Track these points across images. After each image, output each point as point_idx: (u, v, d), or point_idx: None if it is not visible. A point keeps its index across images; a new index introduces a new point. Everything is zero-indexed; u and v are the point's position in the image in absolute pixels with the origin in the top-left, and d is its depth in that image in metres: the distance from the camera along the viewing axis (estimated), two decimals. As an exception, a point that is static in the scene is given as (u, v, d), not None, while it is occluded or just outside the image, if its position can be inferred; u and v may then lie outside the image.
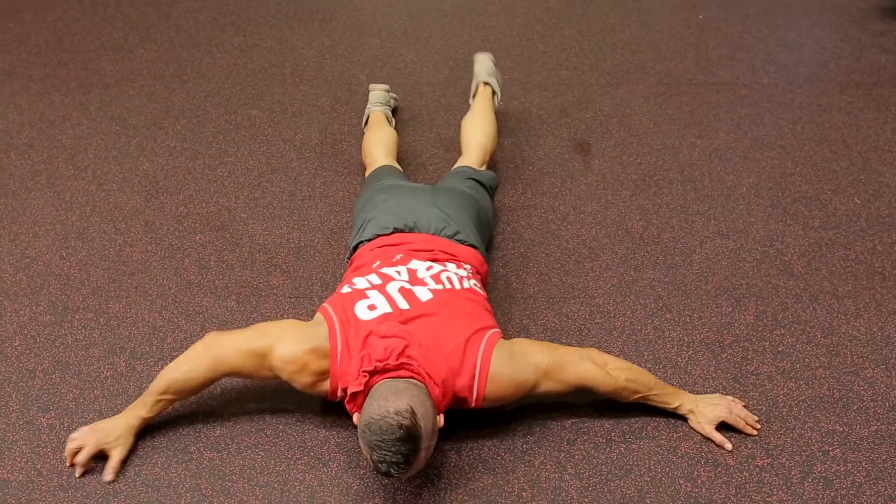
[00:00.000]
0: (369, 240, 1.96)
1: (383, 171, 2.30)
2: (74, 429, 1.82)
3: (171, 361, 1.96)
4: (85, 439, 1.72)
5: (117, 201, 2.50)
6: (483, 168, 2.35)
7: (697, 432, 1.79)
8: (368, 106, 2.75)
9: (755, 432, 1.79)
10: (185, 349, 2.00)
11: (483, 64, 2.68)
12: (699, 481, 1.71)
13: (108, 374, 1.95)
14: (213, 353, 1.70)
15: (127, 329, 2.07)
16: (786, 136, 2.77)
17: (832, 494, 1.68)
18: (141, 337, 2.05)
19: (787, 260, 2.27)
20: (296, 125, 2.83)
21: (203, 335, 2.03)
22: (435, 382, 1.61)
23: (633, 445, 1.78)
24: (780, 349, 2.00)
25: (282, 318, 2.10)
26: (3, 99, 2.97)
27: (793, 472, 1.72)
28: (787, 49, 3.25)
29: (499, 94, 2.62)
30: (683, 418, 1.81)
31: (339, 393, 1.67)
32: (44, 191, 2.54)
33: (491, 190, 2.28)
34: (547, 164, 2.65)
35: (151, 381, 1.92)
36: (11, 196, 2.52)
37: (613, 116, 2.86)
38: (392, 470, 1.50)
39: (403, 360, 1.59)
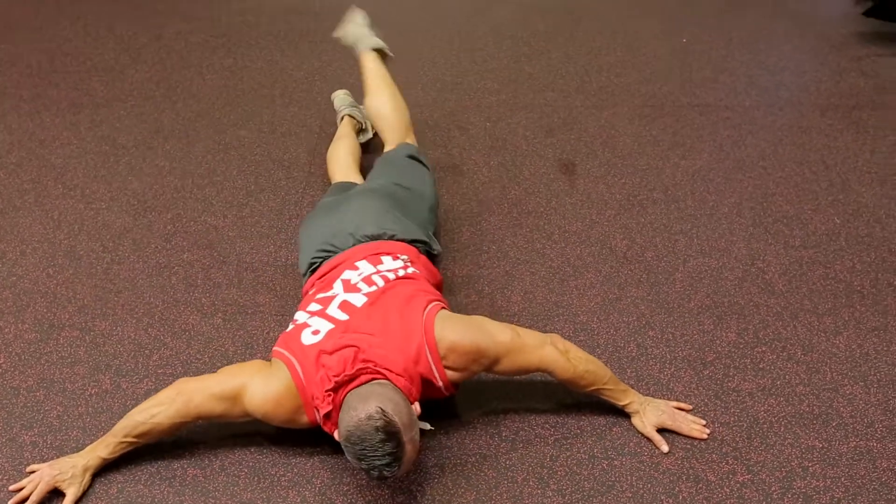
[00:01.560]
0: (305, 273, 2.01)
1: (329, 190, 2.36)
2: (57, 446, 1.82)
3: (154, 380, 1.99)
4: (41, 475, 1.71)
5: (105, 220, 2.51)
6: (397, 143, 2.39)
7: (638, 431, 1.84)
8: (337, 112, 2.75)
9: (705, 435, 1.83)
10: (170, 366, 2.03)
11: (355, 30, 2.62)
12: (680, 497, 1.72)
13: (93, 392, 1.96)
14: (183, 397, 1.70)
15: (113, 346, 2.08)
16: (767, 157, 2.81)
17: (811, 510, 1.69)
18: (126, 354, 2.06)
19: (768, 278, 2.30)
20: (284, 145, 2.86)
21: (188, 353, 2.06)
22: (397, 374, 1.63)
23: (616, 462, 1.80)
24: (760, 366, 2.03)
25: (267, 336, 2.11)
26: (-6, 118, 2.99)
27: (773, 488, 1.74)
28: (768, 73, 3.31)
29: (385, 48, 2.59)
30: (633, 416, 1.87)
31: (318, 419, 1.68)
32: (32, 209, 2.55)
33: (412, 159, 2.30)
34: (532, 183, 2.68)
35: (136, 398, 1.94)
36: (-1, 214, 2.53)
37: (598, 137, 2.91)
38: (385, 472, 1.52)
39: (359, 365, 1.62)
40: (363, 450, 1.51)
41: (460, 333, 1.70)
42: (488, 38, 3.55)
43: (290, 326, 1.81)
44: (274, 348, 1.76)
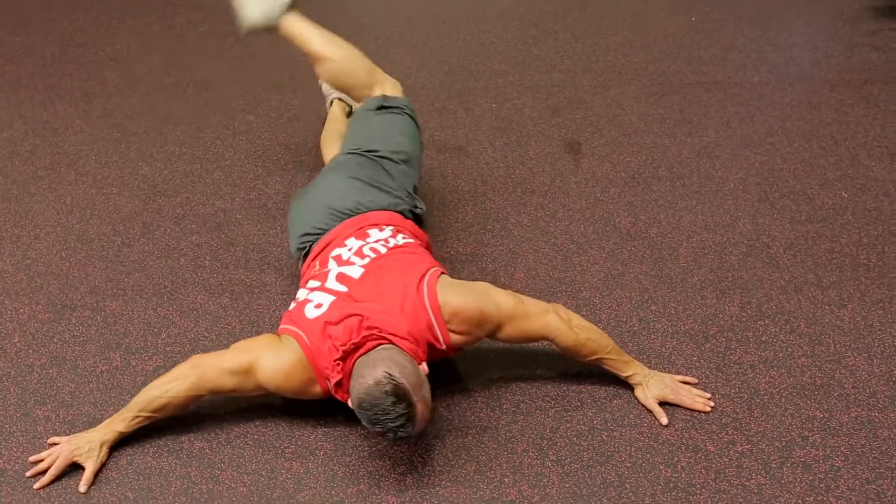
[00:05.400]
0: (299, 259, 2.03)
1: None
2: (69, 421, 1.87)
3: (163, 357, 2.03)
4: (59, 450, 1.75)
5: (116, 204, 2.56)
6: (373, 93, 2.22)
7: (640, 402, 1.85)
8: (326, 97, 2.73)
9: (708, 408, 1.83)
10: (179, 344, 2.07)
11: (260, 6, 2.28)
12: (679, 467, 1.73)
13: (104, 369, 2.00)
14: (197, 371, 1.73)
15: (123, 325, 2.13)
16: (775, 133, 2.79)
17: (810, 478, 1.69)
18: (136, 333, 2.10)
19: (772, 253, 2.29)
20: (291, 129, 2.89)
21: (196, 331, 2.10)
22: (402, 338, 1.66)
23: (615, 433, 1.81)
24: (763, 339, 2.02)
25: (273, 314, 2.15)
26: (10, 108, 3.05)
27: (772, 458, 1.74)
28: (778, 49, 3.28)
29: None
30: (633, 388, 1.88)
31: (331, 388, 1.72)
32: (45, 195, 2.61)
33: (382, 109, 2.16)
34: (537, 163, 2.69)
35: (145, 375, 1.98)
36: (14, 200, 2.59)
37: (604, 116, 2.90)
38: (400, 433, 1.56)
39: (364, 332, 1.65)
40: (376, 414, 1.55)
41: (463, 298, 1.73)
42: (496, 20, 3.55)
43: (293, 305, 1.84)
44: (280, 327, 1.79)
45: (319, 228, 1.98)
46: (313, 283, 1.83)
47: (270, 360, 1.71)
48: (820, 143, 2.73)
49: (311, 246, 1.99)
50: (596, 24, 3.49)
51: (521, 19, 3.56)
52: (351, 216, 1.97)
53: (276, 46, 3.40)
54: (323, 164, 2.52)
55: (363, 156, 2.10)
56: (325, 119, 2.91)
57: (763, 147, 2.72)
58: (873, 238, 2.32)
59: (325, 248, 1.94)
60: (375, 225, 1.94)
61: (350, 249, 1.87)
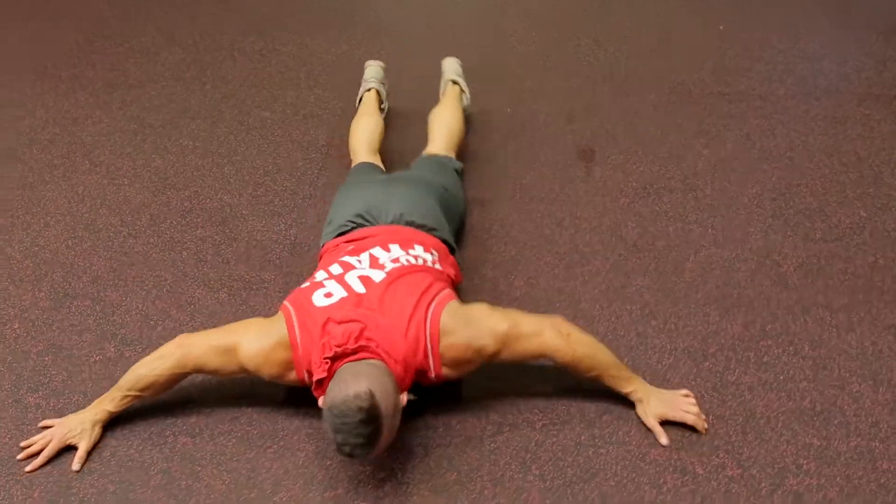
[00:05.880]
0: (331, 233, 2.01)
1: (358, 169, 2.38)
2: (59, 409, 1.89)
3: (154, 350, 2.04)
4: (52, 433, 1.78)
5: (126, 195, 2.59)
6: (448, 153, 2.43)
7: (641, 420, 1.80)
8: (364, 83, 2.80)
9: (703, 428, 1.78)
10: (173, 337, 2.07)
11: (451, 66, 2.83)
12: (664, 489, 1.68)
13: (98, 359, 2.02)
14: (182, 350, 1.75)
15: (120, 316, 2.14)
16: (796, 147, 2.71)
17: (801, 508, 1.63)
18: (133, 324, 2.12)
19: (782, 271, 2.22)
20: (305, 127, 2.89)
21: (191, 325, 2.11)
22: (395, 360, 1.63)
23: (602, 450, 1.77)
24: (764, 360, 1.96)
25: (269, 311, 2.13)
26: (33, 97, 3.11)
27: (763, 485, 1.68)
28: (807, 61, 3.19)
29: (467, 94, 2.77)
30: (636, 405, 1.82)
31: (307, 379, 1.70)
32: (59, 183, 2.65)
33: (456, 173, 2.37)
34: (548, 169, 2.65)
35: (137, 366, 2.00)
36: (28, 188, 2.63)
37: (620, 124, 2.85)
38: (355, 452, 1.54)
39: (362, 342, 1.63)
40: (343, 423, 1.53)
41: (459, 334, 1.69)
42: (518, 23, 3.51)
43: (306, 283, 1.83)
44: (284, 302, 1.79)
45: (374, 219, 2.01)
46: (336, 269, 1.82)
47: (254, 339, 1.71)
48: (842, 160, 2.64)
49: (353, 229, 2.00)
50: (620, 31, 3.43)
51: (543, 23, 3.52)
52: (411, 228, 1.98)
53: (298, 43, 3.42)
54: (348, 155, 2.55)
55: (444, 190, 2.21)
56: (343, 114, 2.91)
57: (782, 161, 2.65)
58: (890, 260, 2.24)
59: (365, 238, 1.94)
60: (423, 244, 1.94)
61: (389, 254, 1.86)
